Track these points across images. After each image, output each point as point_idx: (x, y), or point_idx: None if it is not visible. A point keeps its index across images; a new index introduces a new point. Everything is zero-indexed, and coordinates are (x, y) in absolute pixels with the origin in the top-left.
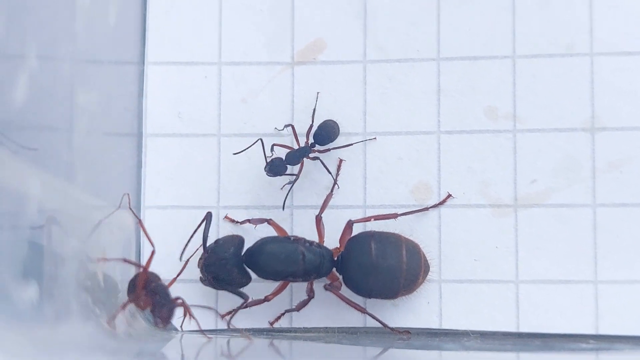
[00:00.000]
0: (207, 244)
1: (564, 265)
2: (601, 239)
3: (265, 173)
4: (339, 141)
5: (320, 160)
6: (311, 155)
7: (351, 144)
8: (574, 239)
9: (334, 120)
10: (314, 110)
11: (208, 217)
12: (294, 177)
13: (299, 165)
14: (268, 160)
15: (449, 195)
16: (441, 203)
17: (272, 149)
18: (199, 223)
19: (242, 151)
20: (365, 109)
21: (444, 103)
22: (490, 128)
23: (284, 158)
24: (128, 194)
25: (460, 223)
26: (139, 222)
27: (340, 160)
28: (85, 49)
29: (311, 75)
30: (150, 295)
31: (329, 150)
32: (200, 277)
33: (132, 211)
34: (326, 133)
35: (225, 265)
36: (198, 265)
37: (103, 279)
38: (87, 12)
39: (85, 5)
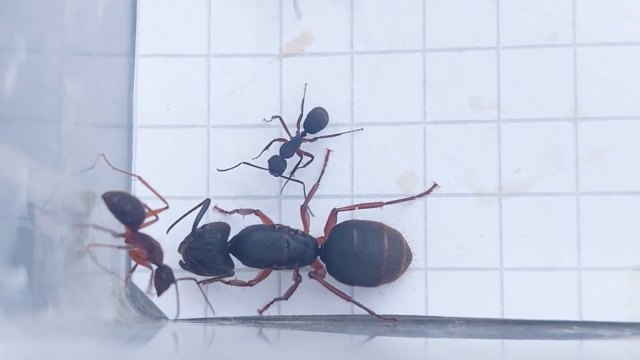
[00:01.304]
0: (193, 229)
1: (548, 252)
2: (584, 227)
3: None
4: (327, 131)
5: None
6: (302, 146)
7: (339, 134)
8: (558, 227)
9: (323, 107)
10: (303, 100)
11: (205, 203)
12: (308, 160)
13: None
14: (267, 162)
15: (435, 185)
16: (427, 192)
17: (267, 148)
18: (195, 206)
19: (226, 169)
20: (352, 100)
21: (429, 94)
22: (475, 118)
23: (279, 154)
24: (102, 154)
25: (445, 212)
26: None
27: (328, 151)
28: (74, 41)
29: (299, 67)
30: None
31: (318, 138)
32: (181, 261)
33: (110, 163)
34: (316, 121)
35: (211, 251)
36: (179, 250)
37: (92, 266)
38: (75, 4)
39: None
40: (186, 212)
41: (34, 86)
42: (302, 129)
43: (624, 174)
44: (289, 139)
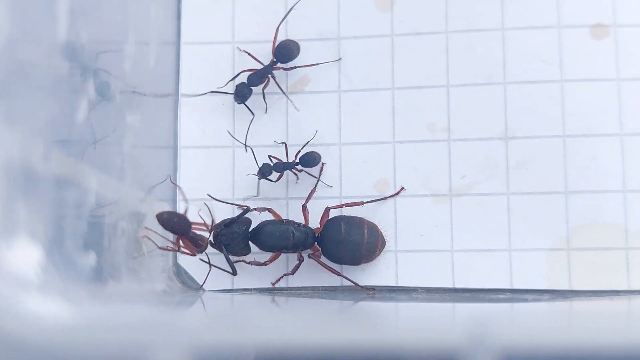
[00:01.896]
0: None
1: (486, 238)
2: (513, 219)
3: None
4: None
5: (297, 175)
6: (295, 170)
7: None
8: (493, 219)
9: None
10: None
11: (246, 210)
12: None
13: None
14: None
15: (402, 188)
16: (396, 194)
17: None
18: (239, 207)
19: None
20: (340, 125)
21: (397, 120)
22: (431, 138)
23: (271, 164)
24: (169, 176)
25: (410, 208)
26: (179, 188)
27: (323, 164)
28: (132, 83)
29: (300, 102)
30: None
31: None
32: (210, 241)
33: (173, 182)
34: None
35: (237, 238)
36: (210, 231)
37: (146, 250)
38: (133, 57)
39: (132, 53)
40: (231, 204)
41: (103, 117)
42: (297, 160)
43: (542, 178)
44: (281, 162)
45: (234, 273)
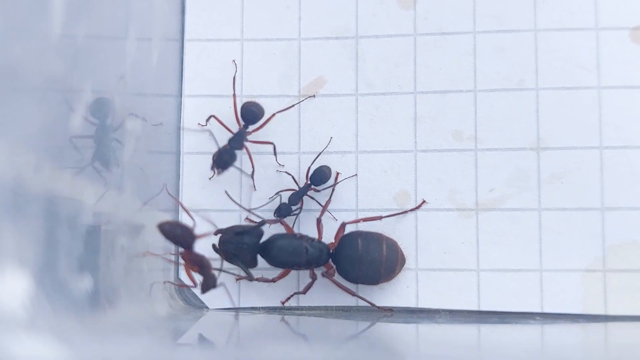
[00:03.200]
0: (236, 229)
1: (516, 256)
2: (545, 236)
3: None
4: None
5: (316, 199)
6: (309, 193)
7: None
8: (524, 236)
9: (328, 166)
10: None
11: (262, 222)
12: (298, 212)
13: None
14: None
15: (424, 201)
16: (417, 207)
17: (279, 195)
18: (249, 212)
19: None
20: (357, 132)
21: (419, 127)
22: (457, 147)
23: (287, 201)
24: (166, 184)
25: (432, 223)
26: (179, 202)
27: (338, 174)
28: (133, 84)
29: (314, 106)
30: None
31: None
32: (214, 245)
33: (171, 194)
34: (320, 177)
35: (245, 249)
36: (215, 233)
37: (147, 269)
38: (134, 56)
39: (133, 51)
40: (253, 226)
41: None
42: (309, 181)
43: (577, 193)
44: (297, 189)
45: (251, 279)
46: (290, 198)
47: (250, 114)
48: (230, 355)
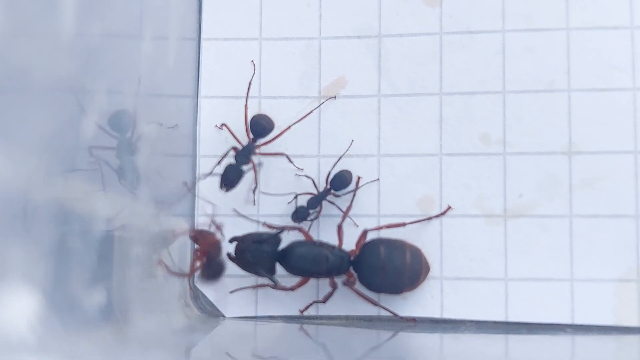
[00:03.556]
0: (254, 237)
1: (546, 265)
2: (576, 244)
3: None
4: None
5: (336, 204)
6: (328, 198)
7: (357, 188)
8: (554, 244)
9: (349, 170)
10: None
11: (281, 230)
12: (315, 215)
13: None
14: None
15: (449, 207)
16: (442, 213)
17: (295, 198)
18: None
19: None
20: (379, 134)
21: (445, 130)
22: (484, 151)
23: (306, 204)
24: (186, 182)
25: (458, 230)
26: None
27: (359, 178)
28: (148, 85)
29: (335, 107)
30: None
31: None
32: (229, 254)
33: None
34: (340, 182)
35: (264, 257)
36: (230, 241)
37: (163, 277)
38: (150, 56)
39: (149, 51)
40: (272, 234)
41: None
42: (328, 186)
43: (610, 199)
44: (316, 193)
45: (274, 284)
46: (309, 202)
47: (259, 127)
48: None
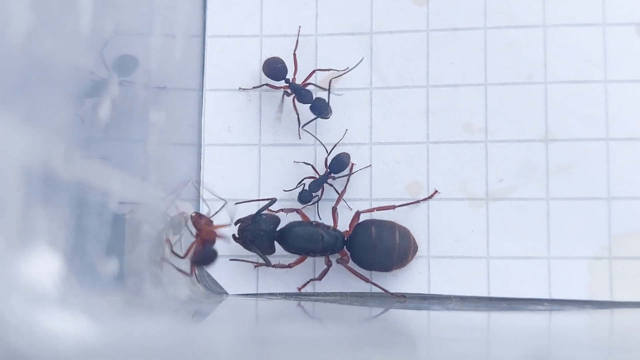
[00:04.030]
0: (255, 215)
1: (524, 244)
2: (553, 225)
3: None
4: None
5: (333, 187)
6: (328, 181)
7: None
8: (532, 224)
9: (347, 153)
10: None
11: (272, 201)
12: (318, 197)
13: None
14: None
15: (436, 191)
16: (430, 197)
17: (302, 182)
18: (263, 199)
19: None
20: (371, 124)
21: (431, 120)
22: (468, 139)
23: (308, 188)
24: (192, 177)
25: (444, 212)
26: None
27: (352, 164)
28: (157, 78)
29: (330, 99)
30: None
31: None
32: (234, 235)
33: (195, 185)
34: (339, 164)
35: (263, 236)
36: (235, 223)
37: (170, 255)
38: (158, 51)
39: (157, 46)
40: (258, 201)
41: (126, 115)
42: (328, 169)
43: (584, 183)
44: (318, 177)
45: (268, 264)
46: (310, 185)
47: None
48: (250, 333)
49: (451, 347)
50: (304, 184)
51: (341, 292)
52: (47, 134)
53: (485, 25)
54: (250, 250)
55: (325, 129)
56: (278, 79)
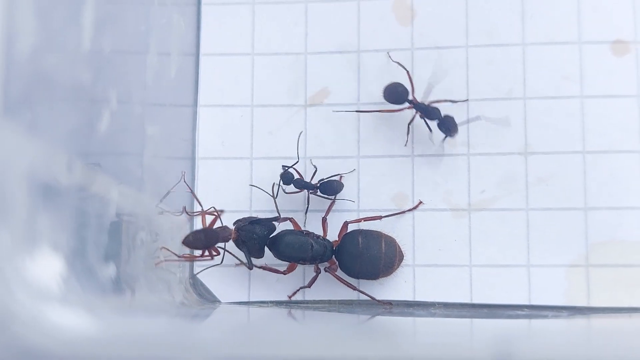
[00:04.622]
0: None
1: (505, 253)
2: (532, 234)
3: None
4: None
5: (323, 196)
6: (312, 192)
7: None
8: (512, 234)
9: (340, 182)
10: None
11: (276, 217)
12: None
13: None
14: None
15: (420, 202)
16: (414, 208)
17: (284, 168)
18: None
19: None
20: (359, 137)
21: (416, 134)
22: (451, 152)
23: (294, 177)
24: (184, 172)
25: (428, 222)
26: (191, 192)
27: (341, 177)
28: (153, 94)
29: (320, 114)
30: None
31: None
32: (233, 229)
33: (187, 184)
34: (329, 188)
35: (255, 239)
36: (234, 224)
37: (164, 261)
38: (154, 68)
39: (153, 63)
40: (268, 218)
41: (123, 129)
42: (317, 186)
43: (562, 194)
44: (302, 180)
45: (250, 267)
46: (295, 181)
47: (330, 187)
48: (242, 335)
49: (435, 351)
50: (286, 168)
51: (330, 300)
52: (50, 143)
53: (467, 44)
54: (240, 249)
55: (315, 143)
56: (402, 102)
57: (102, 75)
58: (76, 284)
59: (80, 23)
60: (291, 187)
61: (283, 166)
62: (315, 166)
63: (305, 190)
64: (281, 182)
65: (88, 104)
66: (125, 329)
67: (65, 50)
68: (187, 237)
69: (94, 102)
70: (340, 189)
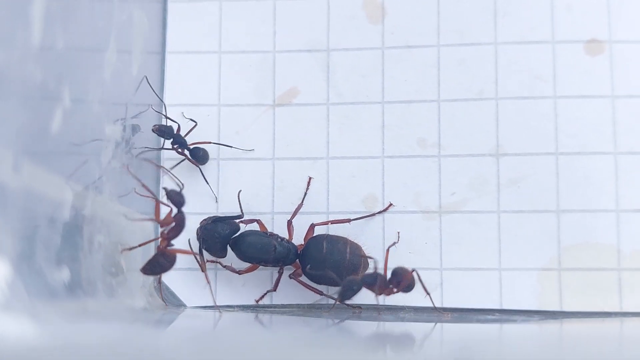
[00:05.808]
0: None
1: (476, 256)
2: (504, 237)
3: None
4: None
5: (202, 172)
6: (180, 151)
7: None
8: (484, 237)
9: (205, 150)
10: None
11: (239, 216)
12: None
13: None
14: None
15: (390, 204)
16: (384, 210)
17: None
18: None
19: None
20: (328, 139)
21: (386, 135)
22: (421, 154)
23: (174, 131)
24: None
25: (399, 225)
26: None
27: (310, 178)
28: (112, 93)
29: (288, 114)
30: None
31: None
32: (197, 229)
33: (147, 187)
34: (197, 155)
35: (217, 238)
36: (200, 223)
37: (125, 266)
38: (113, 65)
39: (112, 61)
40: (231, 215)
41: (79, 128)
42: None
43: (534, 196)
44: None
45: (202, 270)
46: (175, 135)
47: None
48: (206, 341)
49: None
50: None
51: (298, 304)
52: None
53: (438, 43)
54: (203, 248)
55: (284, 143)
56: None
57: (54, 72)
58: (22, 290)
59: (29, 17)
60: (167, 144)
61: (166, 117)
62: (194, 121)
63: (179, 151)
64: (160, 133)
65: (38, 102)
66: (77, 336)
67: (12, 46)
68: (144, 266)
69: (44, 100)
70: (206, 160)
